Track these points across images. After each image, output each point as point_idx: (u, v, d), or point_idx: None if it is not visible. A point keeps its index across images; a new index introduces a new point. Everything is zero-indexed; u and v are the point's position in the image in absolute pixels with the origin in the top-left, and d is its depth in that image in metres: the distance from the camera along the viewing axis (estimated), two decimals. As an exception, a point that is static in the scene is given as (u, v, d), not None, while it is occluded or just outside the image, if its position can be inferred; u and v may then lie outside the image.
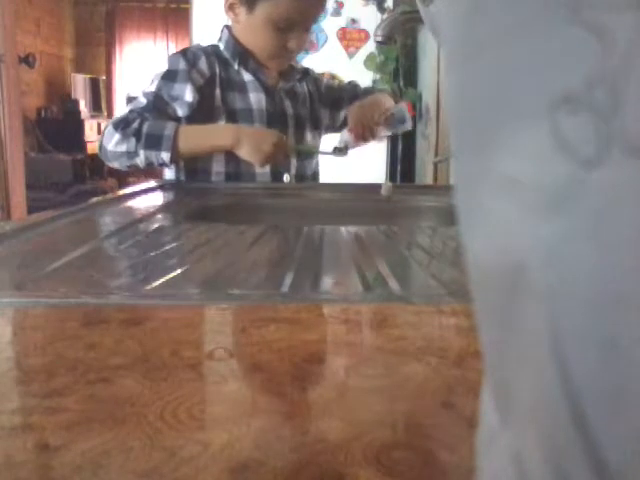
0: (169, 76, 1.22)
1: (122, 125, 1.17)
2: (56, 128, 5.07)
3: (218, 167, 1.26)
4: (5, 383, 0.30)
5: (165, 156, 1.16)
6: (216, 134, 1.21)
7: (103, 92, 5.92)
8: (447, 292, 0.46)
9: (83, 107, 5.49)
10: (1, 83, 2.84)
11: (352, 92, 1.42)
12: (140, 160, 1.17)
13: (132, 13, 5.93)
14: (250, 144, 1.16)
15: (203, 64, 1.24)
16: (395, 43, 3.11)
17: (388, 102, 1.31)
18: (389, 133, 1.32)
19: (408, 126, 1.28)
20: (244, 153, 1.17)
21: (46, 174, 4.42)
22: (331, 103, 1.42)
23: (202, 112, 1.23)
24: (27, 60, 4.66)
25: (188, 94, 1.21)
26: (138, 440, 0.24)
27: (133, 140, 1.16)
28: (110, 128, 1.18)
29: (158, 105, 1.20)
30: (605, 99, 0.10)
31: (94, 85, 5.80)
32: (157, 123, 1.17)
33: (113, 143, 1.17)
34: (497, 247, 0.12)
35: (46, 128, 5.04)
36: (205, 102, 1.24)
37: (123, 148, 1.17)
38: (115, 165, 1.22)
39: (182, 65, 1.22)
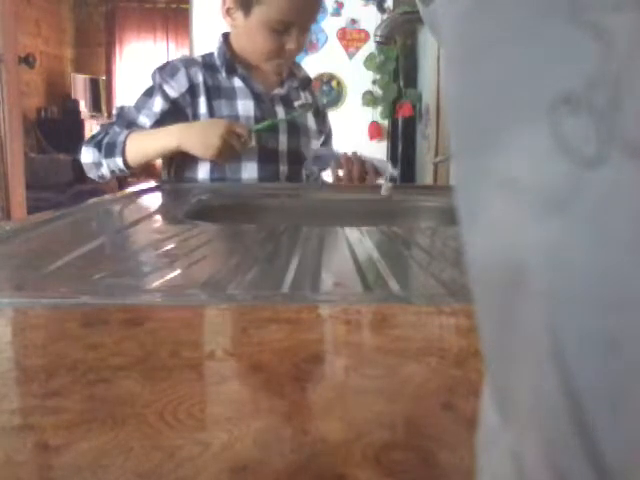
0: (147, 91, 1.27)
1: (90, 140, 1.24)
2: (56, 128, 5.07)
3: (203, 174, 1.27)
4: (5, 383, 0.30)
5: (119, 161, 1.19)
6: (160, 136, 1.20)
7: (103, 92, 5.93)
8: (447, 292, 0.46)
9: (83, 107, 5.50)
10: (1, 83, 2.84)
11: (320, 132, 1.44)
12: (105, 170, 1.22)
13: (132, 13, 5.94)
14: (197, 142, 1.16)
15: (181, 76, 1.25)
16: (395, 43, 3.11)
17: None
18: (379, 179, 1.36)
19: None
20: (195, 151, 1.18)
21: (46, 174, 4.41)
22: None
23: (182, 122, 1.24)
24: (27, 60, 4.65)
25: (157, 105, 1.24)
26: (138, 440, 0.24)
27: (96, 151, 1.21)
28: (83, 144, 1.25)
29: (124, 117, 1.24)
30: (605, 99, 0.10)
31: (94, 85, 5.81)
32: (116, 132, 1.21)
33: (83, 157, 1.24)
34: (497, 247, 0.12)
35: (46, 128, 5.04)
36: (184, 112, 1.25)
37: (90, 160, 1.23)
38: (91, 176, 1.27)
39: (157, 79, 1.26)
